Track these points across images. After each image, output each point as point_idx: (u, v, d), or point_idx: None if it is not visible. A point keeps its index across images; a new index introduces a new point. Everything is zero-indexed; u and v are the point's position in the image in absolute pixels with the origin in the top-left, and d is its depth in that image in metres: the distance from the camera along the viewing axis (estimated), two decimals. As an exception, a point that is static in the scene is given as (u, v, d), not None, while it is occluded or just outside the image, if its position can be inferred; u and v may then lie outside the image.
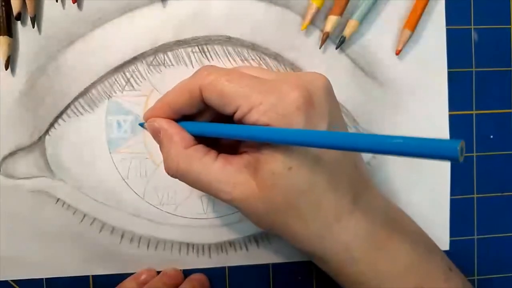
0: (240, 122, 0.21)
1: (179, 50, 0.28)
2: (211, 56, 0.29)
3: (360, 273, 0.22)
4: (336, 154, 0.21)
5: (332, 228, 0.21)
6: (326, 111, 0.21)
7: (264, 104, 0.20)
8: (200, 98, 0.21)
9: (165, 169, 0.23)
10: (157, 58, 0.28)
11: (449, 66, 0.31)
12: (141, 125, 0.27)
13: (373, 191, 0.24)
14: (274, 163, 0.20)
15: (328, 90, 0.22)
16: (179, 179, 0.23)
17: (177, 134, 0.23)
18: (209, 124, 0.23)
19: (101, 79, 0.28)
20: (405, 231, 0.24)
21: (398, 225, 0.24)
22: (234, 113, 0.21)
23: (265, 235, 0.30)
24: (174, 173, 0.23)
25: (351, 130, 0.30)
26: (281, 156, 0.20)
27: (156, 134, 0.24)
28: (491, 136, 0.32)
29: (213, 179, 0.21)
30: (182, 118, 0.24)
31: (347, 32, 0.29)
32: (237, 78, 0.21)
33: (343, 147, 0.17)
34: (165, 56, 0.28)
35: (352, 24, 0.29)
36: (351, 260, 0.22)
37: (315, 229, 0.21)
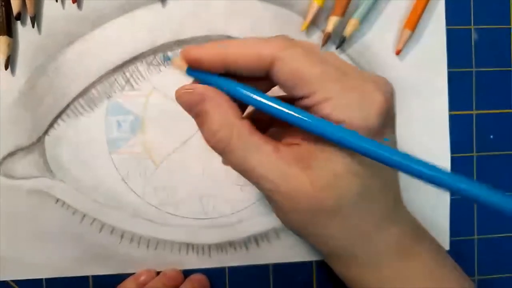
0: (308, 108, 0.19)
1: (179, 50, 0.28)
2: (211, 56, 0.29)
3: (385, 278, 0.22)
4: None
5: (370, 237, 0.21)
6: (393, 120, 0.20)
7: (344, 99, 0.18)
8: (267, 67, 0.19)
9: (211, 143, 0.20)
10: (156, 58, 0.28)
11: (449, 66, 0.31)
12: (168, 59, 0.23)
13: (401, 200, 0.24)
14: (336, 163, 0.19)
15: (394, 97, 0.21)
16: (223, 156, 0.20)
17: (227, 103, 0.19)
18: (274, 100, 0.19)
19: (100, 79, 0.28)
20: (426, 239, 0.24)
21: (421, 233, 0.24)
22: (304, 97, 0.19)
23: (265, 235, 0.30)
24: (224, 147, 0.19)
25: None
26: (344, 157, 0.19)
27: (196, 103, 0.20)
28: (491, 136, 0.32)
29: (259, 164, 0.19)
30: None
31: (347, 32, 0.29)
32: (319, 62, 0.18)
33: (418, 176, 0.18)
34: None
35: (352, 23, 0.29)
36: (379, 267, 0.22)
37: (355, 236, 0.21)
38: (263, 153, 0.19)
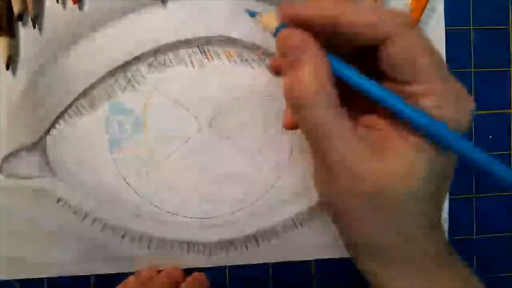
0: (402, 92, 0.18)
1: (180, 50, 0.28)
2: (211, 57, 0.29)
3: (416, 284, 0.21)
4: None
5: (415, 238, 0.20)
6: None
7: (445, 97, 0.18)
8: (379, 41, 0.18)
9: (295, 92, 0.19)
10: (158, 58, 0.28)
11: (448, 67, 0.31)
12: (253, 14, 0.21)
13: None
14: (411, 157, 0.18)
15: None
16: (298, 113, 0.19)
17: (325, 62, 0.18)
18: (373, 83, 0.18)
19: (102, 80, 0.28)
20: (454, 253, 0.24)
21: (450, 247, 0.24)
22: (403, 82, 0.18)
23: (265, 234, 0.30)
24: (306, 103, 0.18)
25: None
26: (419, 155, 0.18)
27: (295, 48, 0.19)
28: (490, 136, 0.32)
29: (336, 135, 0.18)
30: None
31: (347, 32, 0.29)
32: (430, 50, 0.18)
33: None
34: (166, 57, 0.28)
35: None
36: (414, 272, 0.21)
37: (402, 234, 0.20)
38: (342, 125, 0.18)
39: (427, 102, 0.18)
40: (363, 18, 0.18)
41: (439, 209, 0.21)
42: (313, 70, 0.18)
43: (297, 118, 0.19)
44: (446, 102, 0.18)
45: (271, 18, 0.19)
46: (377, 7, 0.19)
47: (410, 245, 0.20)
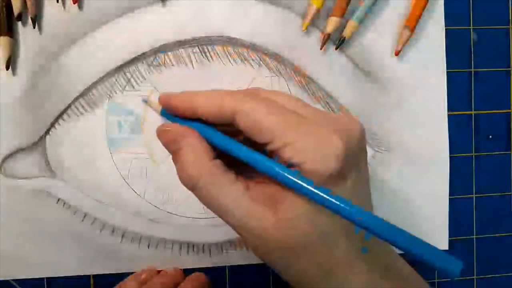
0: (270, 153, 0.20)
1: (180, 50, 0.28)
2: (211, 57, 0.29)
3: None
4: (355, 201, 0.21)
5: (338, 272, 0.21)
6: (358, 159, 0.21)
7: (300, 143, 0.19)
8: (230, 118, 0.20)
9: (183, 178, 0.21)
10: (157, 58, 0.28)
11: (448, 67, 0.31)
12: (145, 101, 0.25)
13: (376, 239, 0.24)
14: (300, 204, 0.20)
15: (363, 138, 0.21)
16: (193, 192, 0.22)
17: (201, 143, 0.21)
18: (237, 144, 0.21)
19: (101, 79, 0.28)
20: (402, 277, 0.24)
21: (397, 273, 0.24)
22: (266, 143, 0.20)
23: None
24: (194, 183, 0.21)
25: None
26: (307, 199, 0.20)
27: (173, 141, 0.22)
28: (490, 136, 0.32)
29: (228, 203, 0.20)
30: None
31: (347, 32, 0.29)
32: (277, 111, 0.20)
33: (357, 223, 0.19)
34: (166, 57, 0.28)
35: (352, 24, 0.29)
36: None
37: (322, 272, 0.21)
38: (231, 192, 0.20)
39: (287, 154, 0.19)
40: (209, 102, 0.21)
41: (357, 239, 0.21)
42: (190, 157, 0.21)
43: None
44: (302, 151, 0.19)
45: (158, 104, 0.22)
46: (229, 92, 0.21)
47: (333, 281, 0.21)
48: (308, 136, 0.19)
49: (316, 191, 0.19)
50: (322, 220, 0.20)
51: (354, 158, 0.20)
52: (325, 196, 0.19)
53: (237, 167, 0.21)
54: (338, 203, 0.19)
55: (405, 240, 0.18)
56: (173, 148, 0.22)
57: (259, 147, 0.20)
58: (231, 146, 0.21)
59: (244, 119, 0.20)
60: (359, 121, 0.22)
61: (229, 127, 0.21)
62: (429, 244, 0.18)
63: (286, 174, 0.19)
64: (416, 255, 0.18)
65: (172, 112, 0.22)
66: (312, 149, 0.19)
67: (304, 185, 0.19)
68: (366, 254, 0.22)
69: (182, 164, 0.21)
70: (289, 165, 0.20)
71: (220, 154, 0.21)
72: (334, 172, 0.19)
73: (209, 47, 0.29)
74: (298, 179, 0.19)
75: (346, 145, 0.19)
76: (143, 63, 0.28)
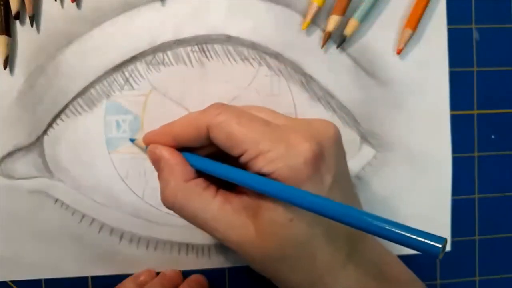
0: (245, 165, 0.21)
1: (179, 49, 0.28)
2: (211, 56, 0.28)
3: None
4: (338, 199, 0.21)
5: (324, 280, 0.21)
6: (333, 163, 0.21)
7: (272, 152, 0.19)
8: (206, 135, 0.21)
9: (162, 199, 0.22)
10: (156, 57, 0.28)
11: (450, 66, 0.30)
12: (132, 140, 0.27)
13: (368, 242, 0.24)
14: (276, 212, 0.20)
15: (337, 140, 0.22)
16: (175, 212, 0.22)
17: (178, 165, 0.22)
18: (212, 163, 0.22)
19: (100, 79, 0.28)
20: (398, 282, 0.24)
21: (390, 276, 0.24)
22: (240, 155, 0.20)
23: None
24: (171, 205, 0.22)
25: (352, 131, 0.30)
26: (283, 206, 0.20)
27: (156, 162, 0.23)
28: (493, 136, 0.32)
29: (210, 217, 0.21)
30: (183, 147, 0.23)
31: (348, 31, 0.28)
32: (248, 121, 0.20)
33: (336, 218, 0.18)
34: (165, 56, 0.28)
35: (353, 23, 0.28)
36: None
37: (308, 280, 0.21)
38: (211, 207, 0.21)
39: (258, 164, 0.20)
40: (185, 126, 0.22)
41: (339, 244, 0.21)
42: (168, 179, 0.22)
43: None
44: (273, 159, 0.19)
45: (142, 143, 0.25)
46: (202, 111, 0.22)
47: (320, 287, 0.22)
48: (279, 144, 0.20)
49: (290, 193, 0.19)
50: (301, 228, 0.20)
51: (330, 159, 0.20)
52: (299, 196, 0.19)
53: (221, 180, 0.22)
54: (308, 199, 0.19)
55: (384, 227, 0.17)
56: (156, 168, 0.23)
57: (237, 160, 0.21)
58: (205, 164, 0.22)
59: (216, 132, 0.21)
60: (332, 123, 0.22)
61: (216, 149, 0.22)
62: (407, 226, 0.17)
63: (257, 182, 0.20)
64: (396, 240, 0.17)
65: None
66: (282, 157, 0.19)
67: (278, 188, 0.19)
68: (355, 259, 0.22)
69: (161, 186, 0.22)
70: (262, 175, 0.20)
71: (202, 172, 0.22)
72: (305, 176, 0.19)
73: (209, 46, 0.28)
74: (269, 185, 0.19)
75: (317, 148, 0.20)
76: (141, 62, 0.28)
